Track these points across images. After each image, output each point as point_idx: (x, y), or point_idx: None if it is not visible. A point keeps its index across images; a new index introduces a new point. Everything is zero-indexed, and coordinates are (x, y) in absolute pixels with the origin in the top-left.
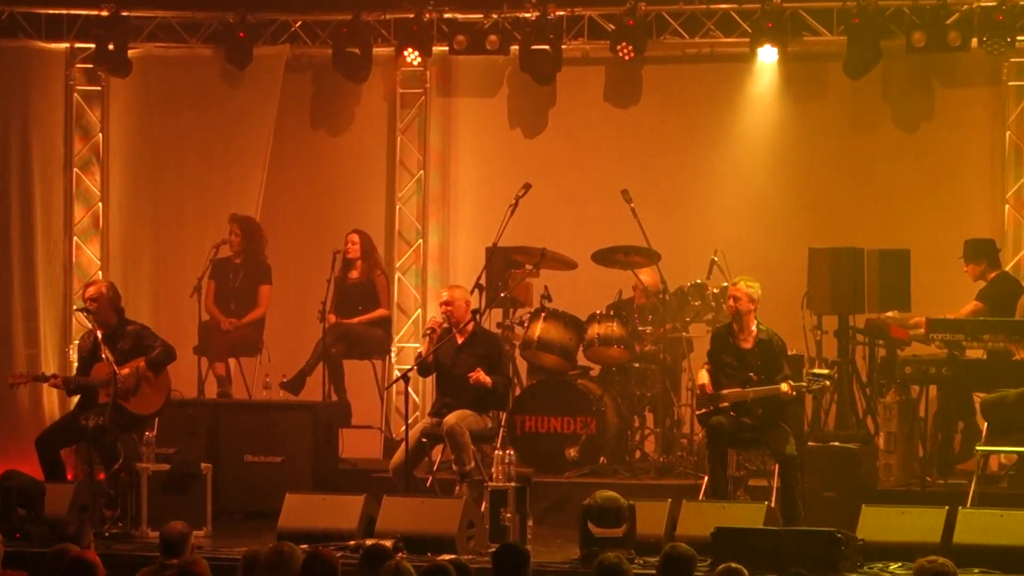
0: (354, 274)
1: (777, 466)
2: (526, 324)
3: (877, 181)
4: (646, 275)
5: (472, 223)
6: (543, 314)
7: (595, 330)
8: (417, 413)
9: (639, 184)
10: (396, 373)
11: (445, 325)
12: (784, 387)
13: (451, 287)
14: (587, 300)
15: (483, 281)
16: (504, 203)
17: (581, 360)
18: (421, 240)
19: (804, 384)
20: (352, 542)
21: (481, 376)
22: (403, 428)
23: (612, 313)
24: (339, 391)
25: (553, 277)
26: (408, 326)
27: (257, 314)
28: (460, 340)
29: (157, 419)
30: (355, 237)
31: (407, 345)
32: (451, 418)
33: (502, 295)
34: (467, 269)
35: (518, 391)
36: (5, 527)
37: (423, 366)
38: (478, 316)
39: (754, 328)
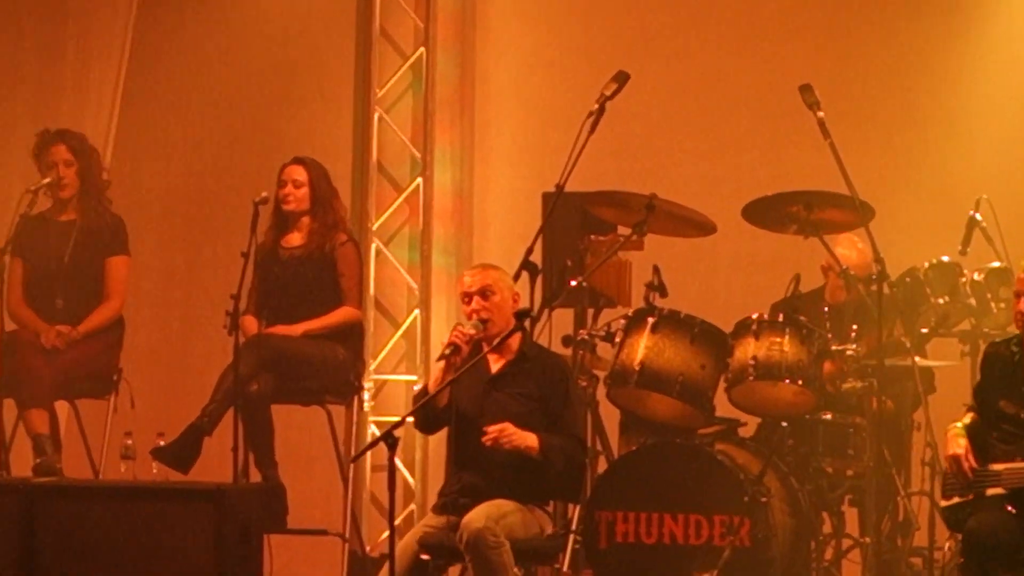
0: (295, 241)
1: None
2: (618, 338)
3: None
4: (847, 247)
5: (515, 148)
6: (650, 319)
7: (748, 350)
8: (412, 506)
9: (832, 79)
10: (373, 431)
11: (478, 336)
12: None
13: (482, 267)
14: (733, 294)
15: (536, 257)
16: (576, 111)
17: (722, 407)
18: (420, 180)
19: None
20: None
21: (513, 437)
22: (384, 535)
23: (782, 319)
24: (264, 463)
25: (670, 250)
26: (395, 340)
27: (106, 315)
28: (496, 366)
29: None
30: (298, 172)
31: (393, 377)
32: (477, 516)
33: (574, 284)
34: (506, 234)
35: (602, 465)
36: None
37: (426, 416)
38: (529, 322)
39: None
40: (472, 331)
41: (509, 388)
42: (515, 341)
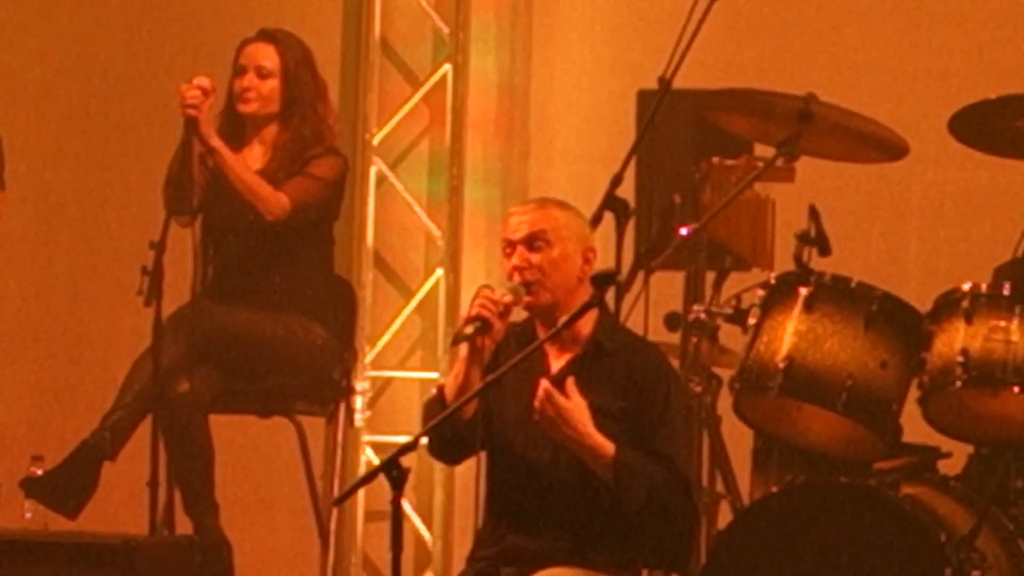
0: (254, 160)
1: None
2: (753, 319)
3: None
4: None
5: (595, 22)
6: (803, 291)
7: (956, 340)
8: (429, 575)
9: None
10: (368, 458)
11: (517, 304)
12: None
13: (539, 203)
14: (933, 252)
15: (627, 191)
16: None
17: (913, 426)
18: (448, 69)
19: None
20: None
21: (573, 419)
22: None
23: (1009, 292)
24: (199, 506)
25: (836, 183)
26: (406, 316)
27: None
28: (557, 362)
29: None
30: (265, 54)
31: (401, 374)
32: None
33: (685, 233)
34: (579, 155)
35: (725, 515)
36: None
37: (443, 434)
38: (614, 292)
39: None
40: (508, 298)
41: (576, 398)
42: (587, 323)
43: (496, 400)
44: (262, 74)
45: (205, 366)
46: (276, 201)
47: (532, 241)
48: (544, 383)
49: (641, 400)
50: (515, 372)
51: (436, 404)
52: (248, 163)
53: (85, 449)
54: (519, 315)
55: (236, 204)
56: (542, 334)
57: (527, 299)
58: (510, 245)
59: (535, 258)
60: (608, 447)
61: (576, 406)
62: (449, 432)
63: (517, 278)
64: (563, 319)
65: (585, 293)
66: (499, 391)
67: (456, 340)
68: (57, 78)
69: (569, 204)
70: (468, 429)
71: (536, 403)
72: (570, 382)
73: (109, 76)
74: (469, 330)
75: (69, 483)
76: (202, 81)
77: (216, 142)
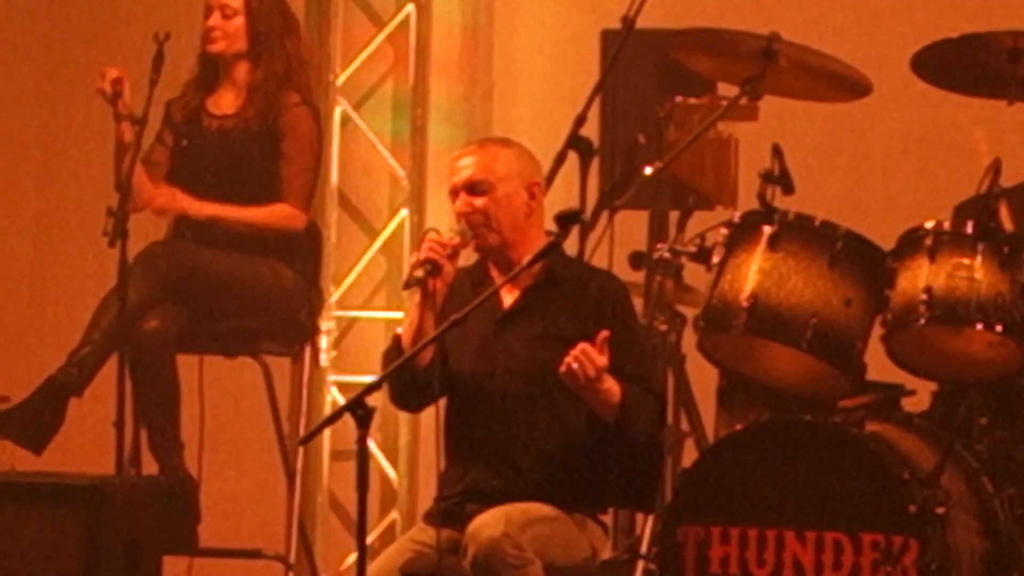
0: (226, 104)
1: None
2: (717, 258)
3: None
4: None
5: None
6: (767, 229)
7: (920, 277)
8: (394, 515)
9: None
10: (334, 397)
11: (464, 245)
12: None
13: (479, 144)
14: (896, 190)
15: (591, 130)
16: None
17: (877, 364)
18: (411, 9)
19: None
20: None
21: (596, 363)
22: (351, 558)
23: (972, 230)
24: (165, 445)
25: (799, 122)
26: (371, 256)
27: None
28: (511, 297)
29: None
30: None
31: (367, 314)
32: (491, 521)
33: (649, 172)
34: (543, 95)
35: (690, 454)
36: None
37: (403, 383)
38: (579, 231)
39: None
40: (456, 239)
41: (529, 328)
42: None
43: (452, 341)
44: (227, 13)
45: (173, 305)
46: (296, 219)
47: (473, 186)
48: (583, 345)
49: (600, 324)
50: (474, 310)
51: (393, 352)
52: (243, 211)
53: (52, 384)
54: (470, 257)
55: (210, 145)
56: (494, 272)
57: (471, 241)
58: (453, 191)
59: (478, 202)
60: (617, 391)
61: (596, 356)
62: (408, 379)
63: (463, 223)
64: (525, 259)
65: (536, 228)
66: (455, 331)
67: (408, 284)
68: (17, 16)
69: (512, 141)
70: (426, 375)
71: (571, 361)
72: (600, 339)
73: (72, 14)
74: (420, 273)
75: (35, 418)
76: (110, 72)
77: (208, 210)
